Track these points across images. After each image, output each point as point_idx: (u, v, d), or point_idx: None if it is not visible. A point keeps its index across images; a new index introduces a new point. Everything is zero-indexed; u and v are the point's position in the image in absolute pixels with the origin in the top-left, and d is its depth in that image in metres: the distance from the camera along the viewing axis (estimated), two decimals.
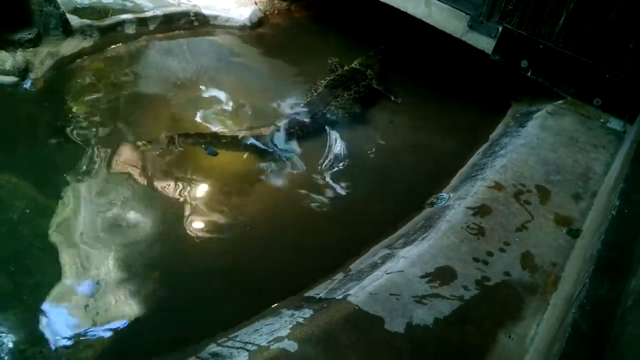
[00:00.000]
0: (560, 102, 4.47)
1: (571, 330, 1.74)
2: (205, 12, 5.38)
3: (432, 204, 3.56)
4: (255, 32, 5.55)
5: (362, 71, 5.03)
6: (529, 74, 4.49)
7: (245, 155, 3.93)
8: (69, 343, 2.55)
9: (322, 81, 4.81)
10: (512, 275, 2.84)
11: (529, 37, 4.37)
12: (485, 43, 4.62)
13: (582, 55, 4.21)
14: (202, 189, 3.56)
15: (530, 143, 3.91)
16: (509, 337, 2.52)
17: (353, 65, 5.14)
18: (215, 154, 3.75)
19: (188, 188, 3.51)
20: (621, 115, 4.21)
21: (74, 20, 4.53)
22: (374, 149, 4.26)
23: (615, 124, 4.26)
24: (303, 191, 3.73)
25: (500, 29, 4.47)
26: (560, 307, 2.40)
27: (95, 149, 3.65)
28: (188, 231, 3.24)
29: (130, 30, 4.87)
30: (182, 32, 5.18)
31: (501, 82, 5.08)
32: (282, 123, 4.28)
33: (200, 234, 3.24)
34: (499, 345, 2.46)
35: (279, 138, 4.18)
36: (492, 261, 2.91)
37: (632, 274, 1.93)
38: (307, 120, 4.37)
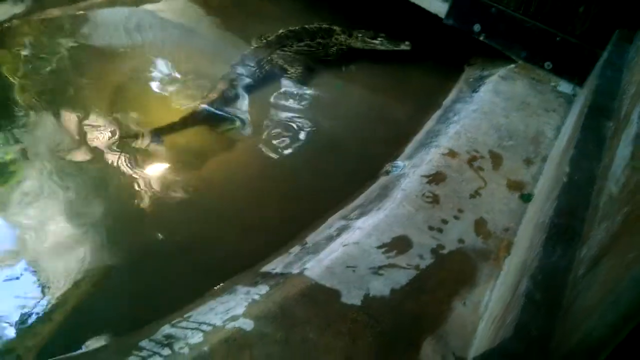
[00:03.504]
0: (512, 66, 4.49)
1: (525, 299, 1.75)
2: None
3: (387, 173, 3.54)
4: None
5: (332, 31, 4.84)
6: (481, 38, 4.48)
7: (195, 129, 3.78)
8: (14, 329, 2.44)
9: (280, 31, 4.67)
10: (465, 242, 2.86)
11: (481, 1, 4.34)
12: (438, 7, 4.56)
13: (533, 19, 4.22)
14: (152, 170, 3.40)
15: (483, 108, 3.92)
16: (464, 304, 2.55)
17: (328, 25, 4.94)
18: (161, 142, 3.56)
19: (137, 170, 3.36)
20: (571, 79, 4.27)
21: None
22: (326, 115, 4.17)
23: (565, 87, 4.32)
24: (256, 161, 3.64)
25: None
26: (513, 274, 2.43)
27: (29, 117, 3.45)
28: (138, 211, 3.12)
29: None
30: None
31: (455, 46, 5.04)
32: (224, 77, 4.16)
33: (151, 214, 3.12)
34: (454, 313, 2.49)
35: (227, 97, 4.06)
36: (446, 229, 2.92)
37: (583, 241, 1.95)
38: (248, 69, 4.26)
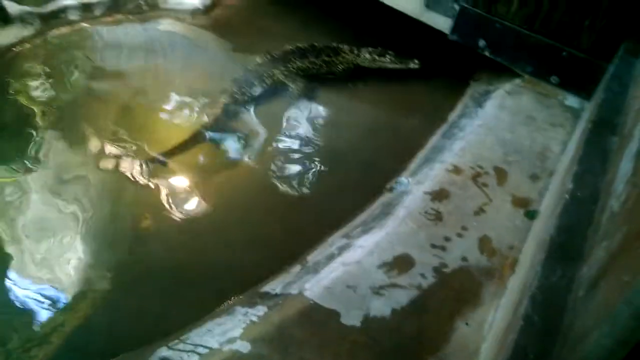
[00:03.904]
0: (518, 80, 4.44)
1: (523, 322, 1.71)
2: None
3: (391, 189, 3.50)
4: (209, 15, 5.32)
5: (340, 49, 4.83)
6: (486, 53, 4.45)
7: (200, 148, 3.79)
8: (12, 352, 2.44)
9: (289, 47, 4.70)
10: (469, 261, 2.81)
11: (485, 16, 4.31)
12: (443, 23, 4.55)
13: (539, 34, 4.18)
14: (155, 190, 3.41)
15: (488, 124, 3.88)
16: (467, 324, 2.49)
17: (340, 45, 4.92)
18: (165, 164, 3.57)
19: (141, 190, 3.37)
20: (578, 93, 4.21)
21: (12, 8, 4.28)
22: (331, 132, 4.16)
23: (572, 101, 4.26)
24: (258, 179, 3.63)
25: (458, 7, 4.41)
26: (516, 293, 2.38)
27: (42, 141, 3.49)
28: (141, 230, 3.12)
29: (74, 16, 4.64)
30: (130, 17, 4.94)
31: (460, 62, 5.02)
32: (225, 91, 4.18)
33: (153, 233, 3.13)
34: (457, 334, 2.44)
35: (230, 114, 4.09)
36: (449, 247, 2.88)
37: (584, 259, 1.90)
38: (250, 84, 4.29)
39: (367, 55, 4.75)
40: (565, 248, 2.01)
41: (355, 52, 4.78)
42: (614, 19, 3.86)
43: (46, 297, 2.68)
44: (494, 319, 2.52)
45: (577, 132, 3.66)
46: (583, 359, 1.37)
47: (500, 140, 3.71)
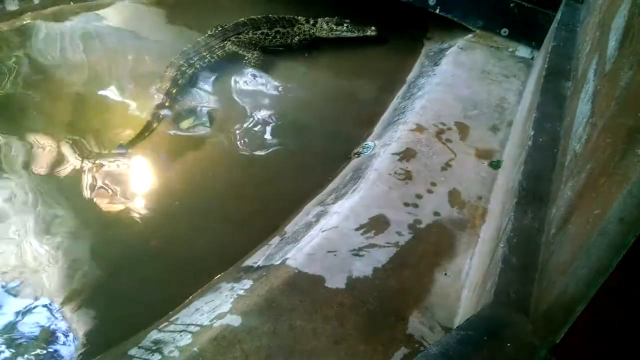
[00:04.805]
0: (470, 36, 4.54)
1: (502, 264, 1.80)
2: None
3: (358, 154, 3.56)
4: None
5: (295, 20, 4.77)
6: (437, 11, 4.50)
7: (159, 130, 3.72)
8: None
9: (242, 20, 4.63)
10: (442, 215, 2.91)
11: None
12: None
13: None
14: (120, 179, 3.33)
15: (446, 81, 3.96)
16: (446, 274, 2.60)
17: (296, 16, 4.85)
18: (124, 153, 3.48)
19: (110, 176, 3.30)
20: (528, 43, 4.34)
21: None
22: (292, 102, 4.17)
23: (523, 51, 4.39)
24: (226, 155, 3.62)
25: None
26: (489, 240, 2.49)
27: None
28: (116, 218, 3.08)
29: (12, 6, 4.42)
30: (72, 4, 4.74)
31: (412, 22, 5.06)
32: (172, 64, 4.10)
33: (128, 219, 3.08)
34: (437, 285, 2.54)
35: (178, 84, 4.02)
36: (421, 203, 2.96)
37: (552, 201, 2.00)
38: (199, 55, 4.23)
39: (325, 26, 4.74)
40: (533, 192, 2.11)
41: (312, 22, 4.75)
42: None
43: (27, 292, 2.63)
44: (470, 267, 2.64)
45: (531, 81, 3.79)
46: (562, 290, 1.46)
47: (459, 96, 3.80)
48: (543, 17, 4.10)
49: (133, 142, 3.51)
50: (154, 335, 2.32)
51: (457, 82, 3.96)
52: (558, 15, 3.75)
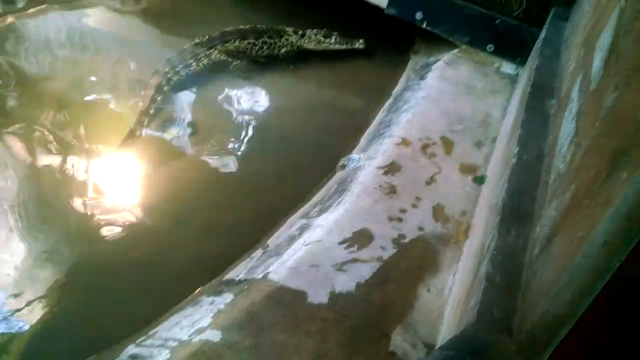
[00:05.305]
0: (456, 51, 4.57)
1: (485, 283, 1.79)
2: None
3: (343, 167, 3.55)
4: (140, 1, 5.13)
5: (283, 32, 4.75)
6: (424, 25, 4.53)
7: (142, 138, 3.67)
8: None
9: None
10: (426, 229, 2.90)
11: None
12: None
13: (473, 3, 4.30)
14: (104, 184, 3.28)
15: (431, 95, 3.98)
16: (429, 290, 2.59)
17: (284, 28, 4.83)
18: (107, 162, 3.41)
19: (89, 184, 3.24)
20: (513, 59, 4.38)
21: None
22: (277, 113, 4.14)
23: (508, 68, 4.43)
24: (209, 165, 3.57)
25: None
26: (473, 256, 2.48)
27: None
28: (95, 228, 3.01)
29: None
30: (55, 6, 4.66)
31: (399, 36, 5.08)
32: (157, 71, 4.03)
33: (107, 229, 3.02)
34: (420, 300, 2.52)
35: (163, 91, 3.97)
36: (406, 218, 2.96)
37: (535, 220, 2.00)
38: (184, 62, 4.19)
39: (313, 37, 4.74)
40: (517, 210, 2.11)
41: (300, 34, 4.74)
42: None
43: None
44: (454, 282, 2.63)
45: (515, 98, 3.81)
46: (545, 312, 1.46)
47: (444, 110, 3.82)
48: (528, 34, 4.14)
49: (115, 149, 3.45)
50: (132, 349, 2.27)
51: (443, 96, 3.97)
52: (543, 33, 3.79)
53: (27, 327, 2.50)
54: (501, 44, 4.36)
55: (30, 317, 2.54)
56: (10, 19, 4.39)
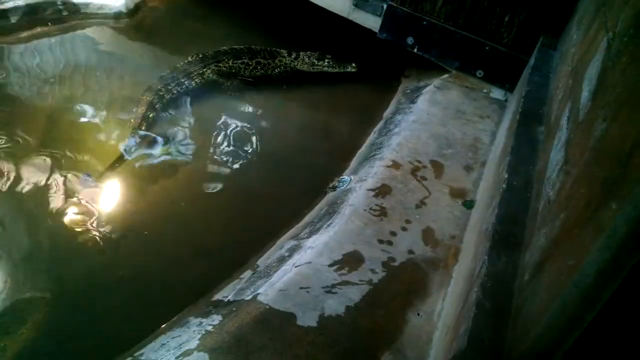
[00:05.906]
0: (446, 75, 4.64)
1: (475, 309, 1.79)
2: None
3: (334, 188, 3.56)
4: (133, 19, 5.14)
5: (277, 53, 4.79)
6: (415, 50, 4.60)
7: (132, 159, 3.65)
8: None
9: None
10: (415, 253, 2.91)
11: (413, 14, 4.46)
12: (372, 22, 4.67)
13: (463, 30, 4.38)
14: (92, 202, 3.24)
15: (422, 119, 4.02)
16: (418, 314, 2.58)
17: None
18: (96, 180, 3.39)
19: (78, 202, 3.21)
20: (502, 85, 4.46)
21: None
22: (269, 133, 4.15)
23: (497, 93, 4.50)
24: (199, 184, 3.56)
25: (385, 6, 4.53)
26: (462, 282, 2.48)
27: None
28: (82, 246, 2.97)
29: None
30: (49, 24, 4.66)
31: (391, 59, 5.15)
32: (150, 89, 4.04)
33: (96, 248, 2.98)
34: (410, 325, 2.51)
35: (157, 112, 3.97)
36: (396, 241, 2.96)
37: (525, 246, 2.02)
38: (177, 81, 4.20)
39: (306, 60, 4.78)
40: (507, 236, 2.12)
41: (294, 55, 4.79)
42: (531, 14, 4.11)
43: None
44: (443, 307, 2.62)
45: (504, 123, 3.87)
46: (536, 339, 1.46)
47: (434, 134, 3.86)
48: (517, 61, 4.22)
49: (105, 167, 3.43)
50: None
51: (433, 120, 4.02)
52: (531, 61, 3.87)
53: (7, 346, 2.45)
54: (491, 70, 4.43)
55: (10, 336, 2.49)
56: (3, 36, 4.37)
